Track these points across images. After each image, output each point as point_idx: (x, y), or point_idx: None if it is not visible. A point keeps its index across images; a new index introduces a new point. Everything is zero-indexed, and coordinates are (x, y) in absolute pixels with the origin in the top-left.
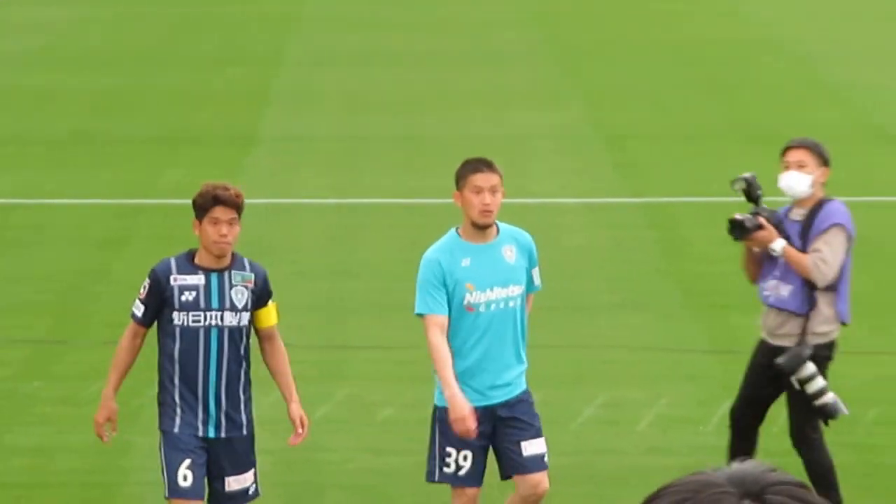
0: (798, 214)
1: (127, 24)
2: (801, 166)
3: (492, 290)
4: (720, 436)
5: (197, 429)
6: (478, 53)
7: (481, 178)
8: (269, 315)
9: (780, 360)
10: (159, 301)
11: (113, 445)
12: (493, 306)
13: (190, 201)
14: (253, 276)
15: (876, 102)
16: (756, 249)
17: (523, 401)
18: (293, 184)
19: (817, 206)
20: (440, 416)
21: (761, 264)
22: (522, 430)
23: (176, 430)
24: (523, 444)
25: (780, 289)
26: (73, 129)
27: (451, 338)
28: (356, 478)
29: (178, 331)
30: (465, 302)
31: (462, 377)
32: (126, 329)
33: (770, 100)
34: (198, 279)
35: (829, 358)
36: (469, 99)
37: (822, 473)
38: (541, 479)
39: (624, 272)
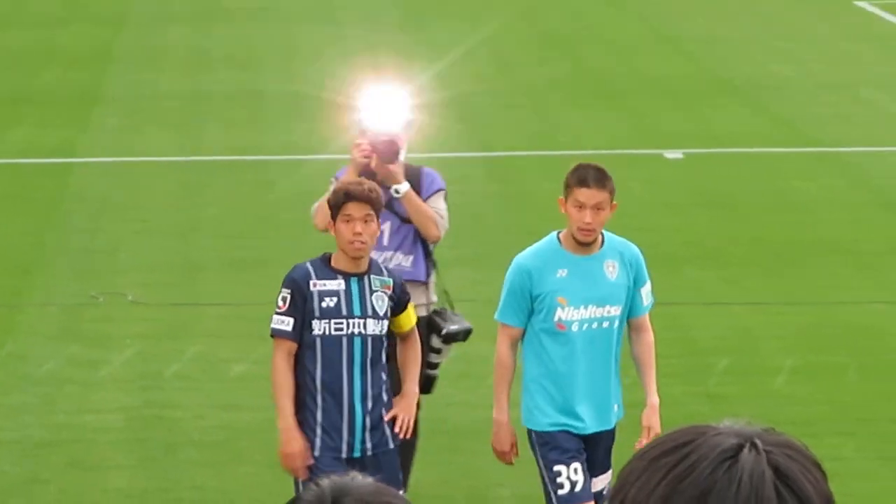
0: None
1: None
2: None
3: (586, 307)
4: None
5: (341, 451)
6: (318, 8)
7: (585, 195)
8: (409, 318)
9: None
10: (304, 310)
11: None
12: (585, 326)
13: (38, 160)
14: (391, 281)
15: (718, 55)
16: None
17: (609, 437)
18: (138, 142)
19: (415, 174)
20: (536, 440)
21: None
22: (596, 467)
23: (317, 452)
24: (594, 480)
25: (400, 259)
26: None
27: (541, 358)
28: (208, 434)
29: (318, 341)
30: (556, 318)
31: (555, 403)
32: (274, 351)
33: (611, 53)
34: (337, 284)
35: None
36: (312, 53)
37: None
38: None
39: (469, 226)
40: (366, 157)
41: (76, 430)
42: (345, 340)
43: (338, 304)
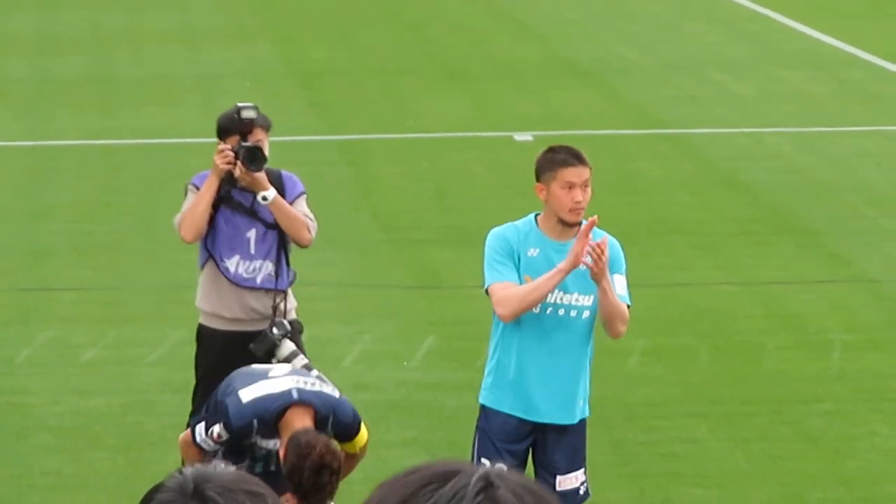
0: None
1: None
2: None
3: (551, 292)
4: (425, 371)
5: None
6: None
7: (573, 173)
8: (355, 444)
9: (258, 346)
10: (238, 446)
11: None
12: (549, 310)
13: None
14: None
15: (565, 38)
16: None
17: (575, 431)
18: None
19: (275, 178)
20: (483, 419)
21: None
22: (563, 463)
23: None
24: (559, 478)
25: (269, 269)
26: None
27: (505, 332)
28: (62, 420)
29: None
30: None
31: (510, 386)
32: (185, 445)
33: (459, 36)
34: (273, 444)
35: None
36: (160, 38)
37: None
38: None
39: (322, 210)
40: (229, 163)
41: None
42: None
43: (265, 469)
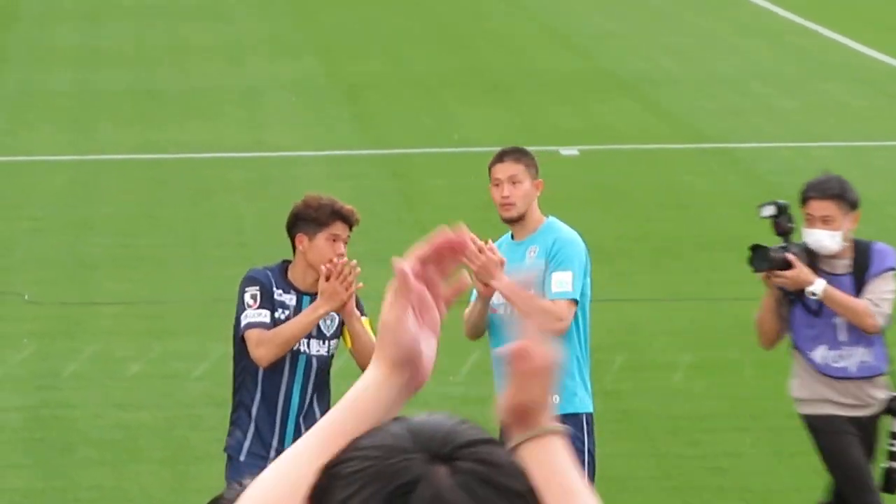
0: (841, 266)
1: None
2: (827, 221)
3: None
4: (471, 385)
5: (266, 459)
6: (209, 6)
7: (497, 170)
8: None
9: None
10: (272, 308)
11: None
12: (500, 310)
13: None
14: None
15: (608, 51)
16: (774, 299)
17: None
18: (30, 140)
19: (863, 250)
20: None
21: (780, 323)
22: None
23: (242, 457)
24: None
25: (859, 355)
26: None
27: (491, 344)
28: (106, 433)
29: None
30: (492, 302)
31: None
32: (253, 347)
33: (502, 49)
34: (289, 299)
35: None
36: (204, 51)
37: None
38: None
39: (366, 223)
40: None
41: None
42: (288, 357)
43: (288, 318)
